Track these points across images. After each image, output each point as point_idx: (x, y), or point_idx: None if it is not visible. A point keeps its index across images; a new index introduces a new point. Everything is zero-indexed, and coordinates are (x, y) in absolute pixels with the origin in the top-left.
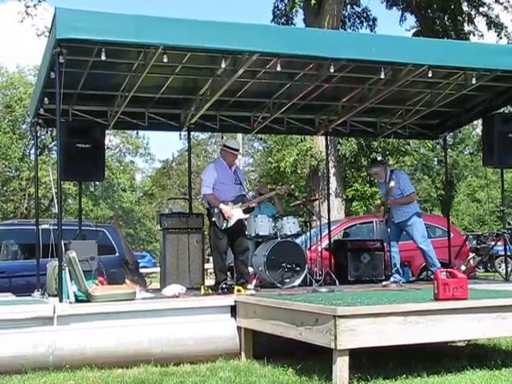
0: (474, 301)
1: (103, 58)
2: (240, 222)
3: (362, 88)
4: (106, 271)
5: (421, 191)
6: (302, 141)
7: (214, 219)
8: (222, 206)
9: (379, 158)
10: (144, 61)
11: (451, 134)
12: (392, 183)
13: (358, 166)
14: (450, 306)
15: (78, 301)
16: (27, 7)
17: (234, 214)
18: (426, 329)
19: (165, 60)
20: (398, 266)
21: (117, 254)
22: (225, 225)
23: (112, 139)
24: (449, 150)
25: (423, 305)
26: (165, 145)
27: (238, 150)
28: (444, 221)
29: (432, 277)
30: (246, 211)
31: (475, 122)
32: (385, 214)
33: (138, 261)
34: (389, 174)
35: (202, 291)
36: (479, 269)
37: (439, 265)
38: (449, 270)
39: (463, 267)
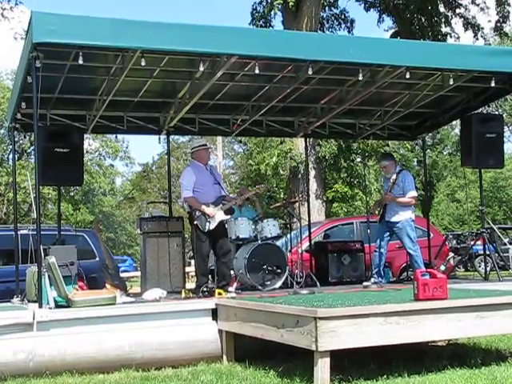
0: (454, 300)
1: (80, 61)
2: (222, 224)
3: (340, 90)
4: (86, 276)
5: None
6: (281, 143)
7: (196, 222)
8: (204, 207)
9: (358, 160)
10: (122, 64)
11: (430, 134)
12: (394, 177)
13: (337, 168)
14: (429, 306)
15: (57, 306)
16: (3, 9)
17: (216, 215)
18: (407, 329)
19: (143, 63)
20: (381, 267)
21: (97, 259)
22: (208, 227)
23: (91, 143)
24: (428, 150)
25: (403, 305)
26: (144, 148)
27: (205, 145)
28: (424, 221)
29: (412, 277)
30: (227, 212)
31: (454, 123)
32: (380, 209)
33: (119, 265)
34: (397, 171)
35: (183, 295)
36: (459, 268)
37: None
38: (428, 270)
39: (443, 267)
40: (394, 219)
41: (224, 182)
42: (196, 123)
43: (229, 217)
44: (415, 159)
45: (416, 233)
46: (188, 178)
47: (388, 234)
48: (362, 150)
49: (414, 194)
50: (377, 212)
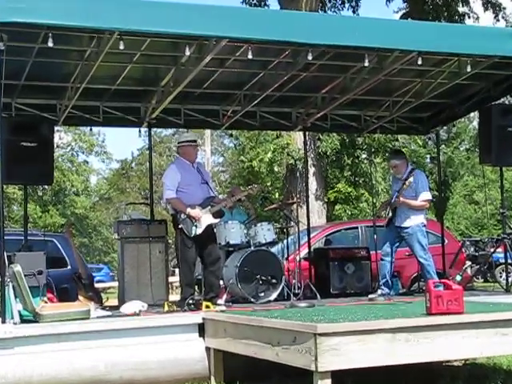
0: (471, 315)
1: (50, 44)
2: (210, 228)
3: (343, 77)
4: (56, 287)
5: None
6: (277, 137)
7: (180, 226)
8: (189, 209)
9: (364, 156)
10: (97, 48)
11: (445, 128)
12: (411, 179)
13: (340, 165)
14: (443, 321)
15: (23, 321)
16: None
17: (204, 219)
18: (418, 347)
19: (121, 47)
20: (389, 277)
21: (68, 267)
22: (194, 231)
23: (63, 136)
24: (442, 145)
25: (414, 320)
26: (123, 142)
27: (194, 141)
28: (437, 225)
29: (424, 289)
30: (216, 215)
31: (472, 115)
32: (388, 213)
33: (94, 274)
34: (408, 170)
35: (166, 308)
36: (477, 279)
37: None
38: (442, 280)
39: (459, 277)
40: (404, 224)
41: (213, 181)
42: (181, 114)
43: (218, 220)
44: (428, 156)
45: (428, 239)
46: (172, 176)
47: (396, 239)
48: (368, 145)
49: (427, 196)
50: (383, 214)
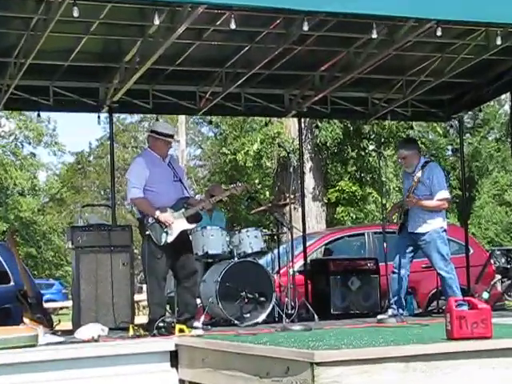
0: (501, 340)
1: None
2: (184, 236)
3: (346, 52)
4: None
5: None
6: (266, 124)
7: (148, 232)
8: (158, 213)
9: (371, 148)
10: (46, 15)
11: (470, 113)
12: (419, 174)
13: (343, 159)
14: (468, 347)
15: None
16: None
17: (176, 224)
18: (436, 379)
19: (75, 14)
20: (402, 294)
21: (11, 284)
22: (164, 239)
23: (4, 123)
24: (467, 135)
25: (432, 346)
26: (78, 131)
27: (172, 136)
28: (461, 231)
29: (444, 308)
30: (191, 219)
31: (503, 97)
32: (400, 217)
33: (43, 292)
34: (421, 163)
35: (131, 332)
36: (509, 296)
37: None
38: (467, 298)
39: (486, 294)
40: (419, 230)
41: (188, 179)
42: (149, 97)
43: (193, 226)
44: (449, 147)
45: (449, 247)
46: (138, 172)
47: (411, 249)
48: (377, 134)
49: (445, 194)
50: (395, 219)
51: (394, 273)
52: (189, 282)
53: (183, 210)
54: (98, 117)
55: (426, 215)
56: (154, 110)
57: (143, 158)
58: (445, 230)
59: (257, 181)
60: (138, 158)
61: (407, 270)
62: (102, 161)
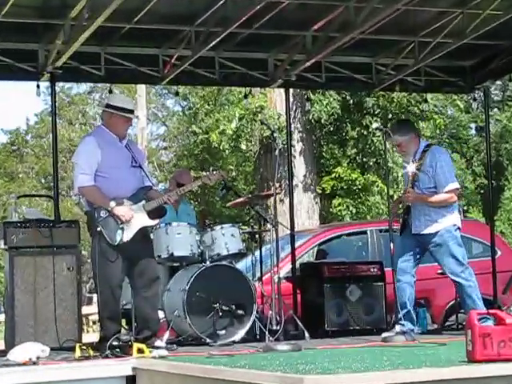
0: None
1: None
2: (144, 234)
3: (345, 7)
4: None
5: None
6: (246, 97)
7: (99, 229)
8: (113, 204)
9: (375, 126)
10: None
11: (497, 83)
12: (412, 168)
13: (341, 139)
14: (493, 371)
15: None
16: None
17: (135, 219)
18: None
19: None
20: (410, 306)
21: None
22: (119, 237)
23: None
24: (494, 110)
25: (449, 370)
26: (13, 105)
27: (132, 112)
28: (485, 229)
29: (464, 323)
30: (153, 214)
31: None
32: (403, 214)
33: None
34: (421, 148)
35: (78, 353)
36: None
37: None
38: (492, 311)
39: None
40: (426, 231)
41: (149, 163)
42: (101, 62)
43: (156, 222)
44: (472, 125)
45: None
46: (88, 154)
47: (417, 250)
48: (383, 108)
49: (454, 185)
50: (401, 214)
51: (398, 281)
52: (149, 292)
53: (143, 202)
54: (37, 86)
55: (432, 212)
56: (106, 79)
57: (95, 136)
58: (458, 228)
59: (234, 166)
60: (87, 137)
61: (413, 275)
62: (43, 141)
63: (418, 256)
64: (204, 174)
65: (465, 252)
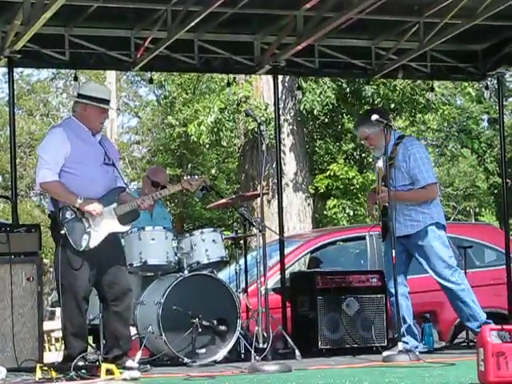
0: None
1: None
2: (114, 240)
3: None
4: None
5: (457, 179)
6: (229, 85)
7: (63, 232)
8: (80, 200)
9: (375, 117)
10: None
11: None
12: (380, 164)
13: (336, 133)
14: None
15: None
16: None
17: (105, 223)
18: None
19: None
20: (410, 320)
21: None
22: (85, 242)
23: None
24: (509, 99)
25: None
26: None
27: (108, 102)
28: (499, 234)
29: (475, 340)
30: (124, 219)
31: None
32: (381, 216)
33: None
34: (393, 141)
35: (39, 374)
36: None
37: (484, 316)
38: (507, 327)
39: None
40: (407, 232)
41: (120, 159)
42: (65, 45)
43: (128, 228)
44: (485, 116)
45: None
46: (55, 147)
47: (404, 257)
48: (384, 98)
49: (430, 179)
50: (377, 215)
51: (391, 294)
52: (120, 306)
53: (115, 205)
54: None
55: (412, 211)
56: (71, 64)
57: (64, 128)
58: (443, 227)
59: (215, 163)
60: (56, 127)
61: (405, 285)
62: None
63: (406, 263)
64: (184, 178)
65: (452, 253)
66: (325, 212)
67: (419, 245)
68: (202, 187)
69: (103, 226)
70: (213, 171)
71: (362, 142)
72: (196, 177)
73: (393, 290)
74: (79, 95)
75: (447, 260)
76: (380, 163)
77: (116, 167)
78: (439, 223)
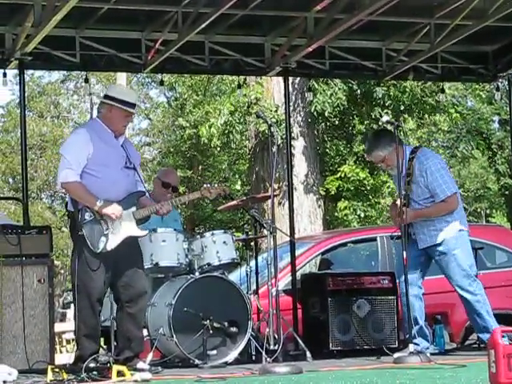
0: None
1: None
2: (132, 243)
3: None
4: None
5: (468, 180)
6: (240, 87)
7: (81, 233)
8: (99, 203)
9: (385, 119)
10: None
11: None
12: (409, 177)
13: (347, 134)
14: None
15: None
16: None
17: (123, 226)
18: None
19: None
20: (422, 321)
21: None
22: (102, 245)
23: None
24: None
25: None
26: None
27: (134, 106)
28: (511, 235)
29: (487, 342)
30: (142, 223)
31: None
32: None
33: None
34: (407, 157)
35: (50, 376)
36: None
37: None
38: None
39: None
40: (432, 242)
41: None
42: (76, 47)
43: (145, 233)
44: (496, 118)
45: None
46: (78, 147)
47: (423, 260)
48: (394, 99)
49: (450, 190)
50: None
51: (406, 294)
52: (134, 307)
53: (134, 208)
54: (4, 74)
55: (435, 221)
56: (82, 66)
57: (87, 129)
58: (466, 233)
59: (225, 166)
60: (80, 128)
61: (420, 287)
62: (10, 136)
63: (424, 266)
64: (204, 186)
65: (474, 262)
66: (336, 213)
67: (441, 251)
68: (224, 198)
69: (121, 229)
70: (227, 174)
71: (379, 165)
72: (216, 185)
73: (410, 290)
74: (106, 96)
75: (467, 269)
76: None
77: (137, 171)
78: (462, 230)
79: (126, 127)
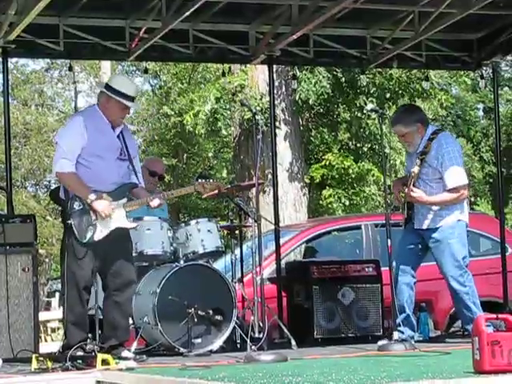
0: None
1: None
2: (121, 233)
3: None
4: None
5: None
6: (224, 74)
7: (70, 222)
8: (92, 197)
9: (370, 107)
10: None
11: (508, 59)
12: (416, 169)
13: (331, 123)
14: (502, 383)
15: None
16: None
17: (112, 218)
18: None
19: None
20: (410, 310)
21: None
22: (89, 235)
23: None
24: (505, 89)
25: (455, 382)
26: None
27: (133, 100)
28: (495, 223)
29: (471, 330)
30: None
31: None
32: (407, 209)
33: None
34: (427, 136)
35: (35, 365)
36: None
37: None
38: (502, 316)
39: None
40: (428, 225)
41: None
42: (59, 35)
43: (135, 225)
44: (480, 105)
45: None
46: (73, 136)
47: (419, 248)
48: (379, 87)
49: (462, 181)
50: (398, 203)
51: (397, 281)
52: (121, 296)
53: (125, 200)
54: None
55: (435, 210)
56: (66, 54)
57: (84, 116)
58: (465, 225)
59: (211, 154)
60: (77, 115)
61: (413, 276)
62: None
63: (419, 255)
64: (199, 181)
65: (467, 254)
66: (320, 202)
67: (437, 239)
68: (197, 176)
69: (111, 220)
70: (214, 161)
71: (398, 138)
72: (211, 180)
73: (398, 278)
74: (106, 85)
75: (460, 260)
76: (415, 169)
77: (132, 163)
78: (461, 221)
79: (124, 119)
